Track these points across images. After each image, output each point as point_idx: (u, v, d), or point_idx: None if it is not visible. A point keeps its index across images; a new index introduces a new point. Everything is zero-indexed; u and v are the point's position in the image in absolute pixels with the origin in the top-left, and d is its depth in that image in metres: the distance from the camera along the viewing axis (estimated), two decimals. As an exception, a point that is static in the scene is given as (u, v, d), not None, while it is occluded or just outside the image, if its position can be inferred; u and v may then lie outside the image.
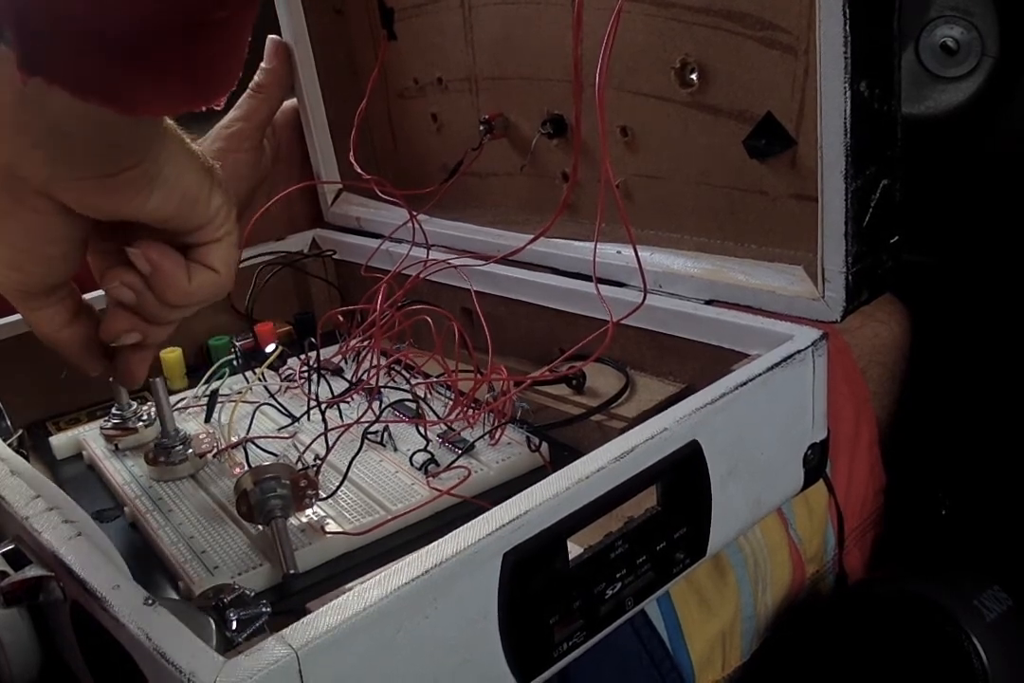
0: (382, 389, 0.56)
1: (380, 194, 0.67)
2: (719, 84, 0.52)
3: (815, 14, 0.43)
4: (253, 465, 0.48)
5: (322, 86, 0.74)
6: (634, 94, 0.56)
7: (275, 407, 0.57)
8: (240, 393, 0.59)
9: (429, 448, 0.51)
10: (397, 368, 0.59)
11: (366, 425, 0.53)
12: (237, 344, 0.66)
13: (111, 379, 0.46)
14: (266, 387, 0.60)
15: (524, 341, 0.61)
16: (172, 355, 0.64)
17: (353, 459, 0.50)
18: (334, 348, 0.64)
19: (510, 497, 0.36)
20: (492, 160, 0.68)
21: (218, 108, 0.37)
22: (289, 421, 0.56)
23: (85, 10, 0.30)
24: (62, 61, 0.31)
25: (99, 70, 0.31)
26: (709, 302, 0.53)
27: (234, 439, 0.54)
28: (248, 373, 0.61)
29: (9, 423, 0.55)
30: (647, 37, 0.54)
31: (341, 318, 0.65)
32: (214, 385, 0.59)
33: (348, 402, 0.57)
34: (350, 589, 0.31)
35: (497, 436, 0.52)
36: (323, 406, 0.55)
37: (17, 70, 0.31)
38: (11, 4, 0.30)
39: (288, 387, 0.60)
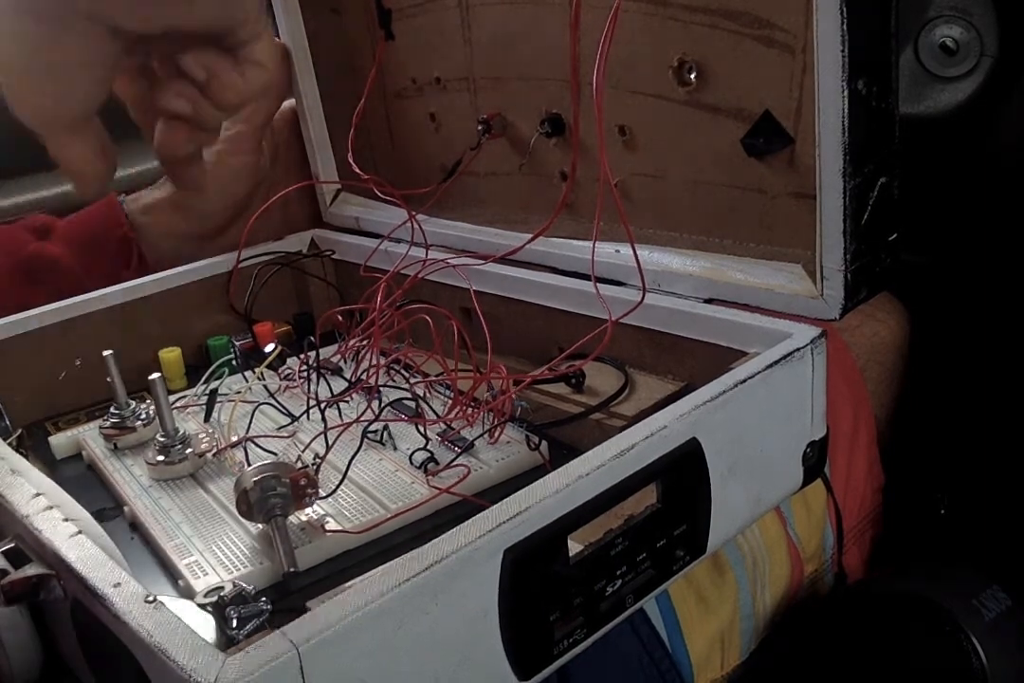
0: (381, 388, 0.56)
1: (379, 194, 0.67)
2: (717, 83, 0.52)
3: (812, 12, 0.43)
4: (253, 464, 0.48)
5: (320, 86, 0.74)
6: (632, 93, 0.56)
7: (274, 406, 0.57)
8: (239, 393, 0.59)
9: (429, 447, 0.51)
10: (396, 367, 0.59)
11: (365, 424, 0.53)
12: (236, 344, 0.66)
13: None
14: (265, 386, 0.60)
15: (523, 340, 0.61)
16: (171, 355, 0.64)
17: (353, 458, 0.50)
18: (333, 348, 0.64)
19: (510, 495, 0.36)
20: (490, 160, 0.68)
21: None
22: (288, 420, 0.56)
23: None
24: None
25: None
26: (708, 300, 0.53)
27: (234, 438, 0.54)
28: (247, 373, 0.61)
29: (8, 423, 0.56)
30: (645, 36, 0.54)
31: (340, 318, 0.65)
32: (213, 385, 0.59)
33: (347, 401, 0.57)
34: (350, 587, 0.31)
35: (496, 435, 0.52)
36: (322, 405, 0.55)
37: None
38: None
39: (287, 386, 0.60)
